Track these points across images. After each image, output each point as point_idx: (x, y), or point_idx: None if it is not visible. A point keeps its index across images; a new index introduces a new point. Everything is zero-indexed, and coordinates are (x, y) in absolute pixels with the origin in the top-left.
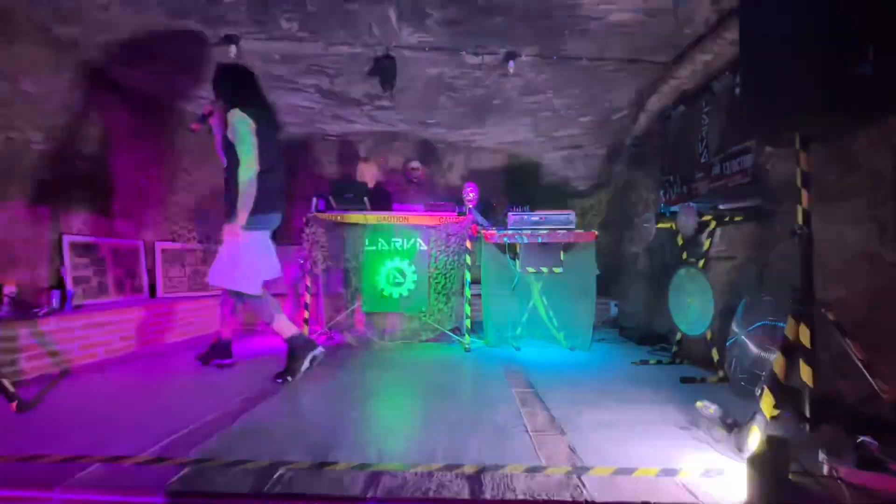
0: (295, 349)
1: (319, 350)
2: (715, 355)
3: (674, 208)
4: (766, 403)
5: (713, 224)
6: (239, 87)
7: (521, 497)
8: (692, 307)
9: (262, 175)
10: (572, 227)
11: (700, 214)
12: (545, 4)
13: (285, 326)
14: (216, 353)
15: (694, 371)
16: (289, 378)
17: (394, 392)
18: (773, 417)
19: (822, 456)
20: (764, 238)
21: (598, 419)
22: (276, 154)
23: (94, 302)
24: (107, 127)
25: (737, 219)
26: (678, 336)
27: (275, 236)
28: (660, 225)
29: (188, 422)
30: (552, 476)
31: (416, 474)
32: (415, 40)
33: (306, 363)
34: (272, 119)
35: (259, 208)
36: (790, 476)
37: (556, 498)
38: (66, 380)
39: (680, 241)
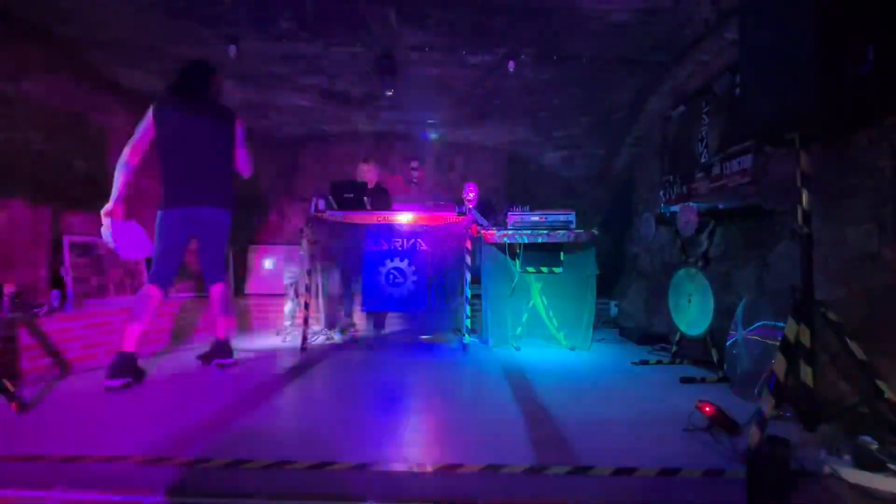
0: (121, 363)
1: (130, 381)
2: (715, 355)
3: (674, 208)
4: (766, 403)
5: (713, 224)
6: (176, 77)
7: (521, 497)
8: (692, 307)
9: (162, 164)
10: (572, 227)
11: (700, 214)
12: (545, 4)
13: (129, 337)
14: (216, 353)
15: (694, 371)
16: (109, 382)
17: (393, 392)
18: (772, 417)
19: (822, 456)
20: (764, 238)
21: (598, 419)
22: (185, 147)
23: (94, 302)
24: (107, 127)
25: (737, 219)
26: (678, 336)
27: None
28: (660, 225)
29: (188, 421)
30: (552, 476)
31: (415, 474)
32: (415, 40)
33: (117, 382)
34: (199, 110)
35: (161, 201)
36: (790, 476)
37: (556, 498)
38: (66, 380)
39: (680, 242)
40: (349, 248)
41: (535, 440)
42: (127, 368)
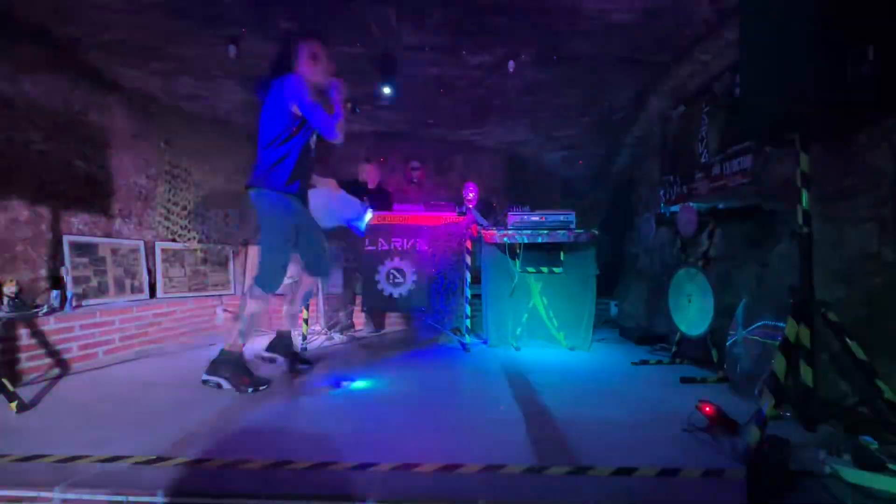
0: (229, 361)
1: (239, 388)
2: (715, 355)
3: (674, 208)
4: (766, 403)
5: (713, 224)
6: None
7: (521, 497)
8: (692, 307)
9: None
10: (572, 227)
11: (700, 214)
12: (545, 4)
13: (237, 336)
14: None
15: (694, 371)
16: (216, 377)
17: (393, 392)
18: (773, 417)
19: (822, 456)
20: (764, 238)
21: (598, 419)
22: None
23: (94, 302)
24: (107, 127)
25: (737, 219)
26: (678, 336)
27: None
28: (660, 225)
29: (188, 421)
30: (552, 476)
31: (416, 474)
32: (415, 40)
33: (224, 382)
34: (270, 85)
35: None
36: (790, 476)
37: (556, 498)
38: (66, 380)
39: (680, 242)
40: (349, 247)
41: (535, 440)
42: (237, 366)
